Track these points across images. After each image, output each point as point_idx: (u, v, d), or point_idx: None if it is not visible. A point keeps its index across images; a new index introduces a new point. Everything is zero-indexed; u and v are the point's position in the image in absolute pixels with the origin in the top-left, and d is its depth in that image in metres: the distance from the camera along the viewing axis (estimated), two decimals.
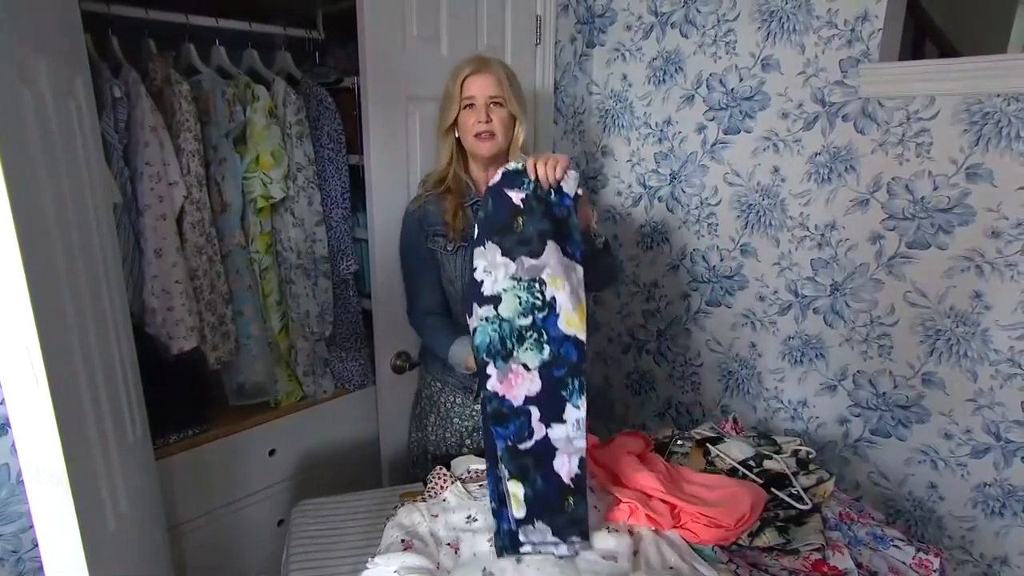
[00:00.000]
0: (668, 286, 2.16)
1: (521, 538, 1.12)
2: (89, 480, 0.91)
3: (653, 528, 1.16)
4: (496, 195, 1.19)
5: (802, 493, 1.27)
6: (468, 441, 1.58)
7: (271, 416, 1.73)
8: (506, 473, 1.12)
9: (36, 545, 1.14)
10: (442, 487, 1.28)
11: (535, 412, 1.12)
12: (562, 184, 1.18)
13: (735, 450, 1.40)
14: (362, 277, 1.88)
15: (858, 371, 1.76)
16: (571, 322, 1.14)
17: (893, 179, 1.61)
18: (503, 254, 1.16)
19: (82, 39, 1.17)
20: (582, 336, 1.15)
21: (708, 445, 1.44)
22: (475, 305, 1.17)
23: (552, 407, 1.13)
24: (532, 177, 1.18)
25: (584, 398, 1.15)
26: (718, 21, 1.86)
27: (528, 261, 1.15)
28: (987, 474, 1.58)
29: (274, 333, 1.70)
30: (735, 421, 1.59)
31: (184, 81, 1.48)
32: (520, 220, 1.17)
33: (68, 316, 0.88)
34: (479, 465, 1.36)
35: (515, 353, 1.13)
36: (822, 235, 1.76)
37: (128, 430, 1.15)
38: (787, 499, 1.26)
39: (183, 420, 1.59)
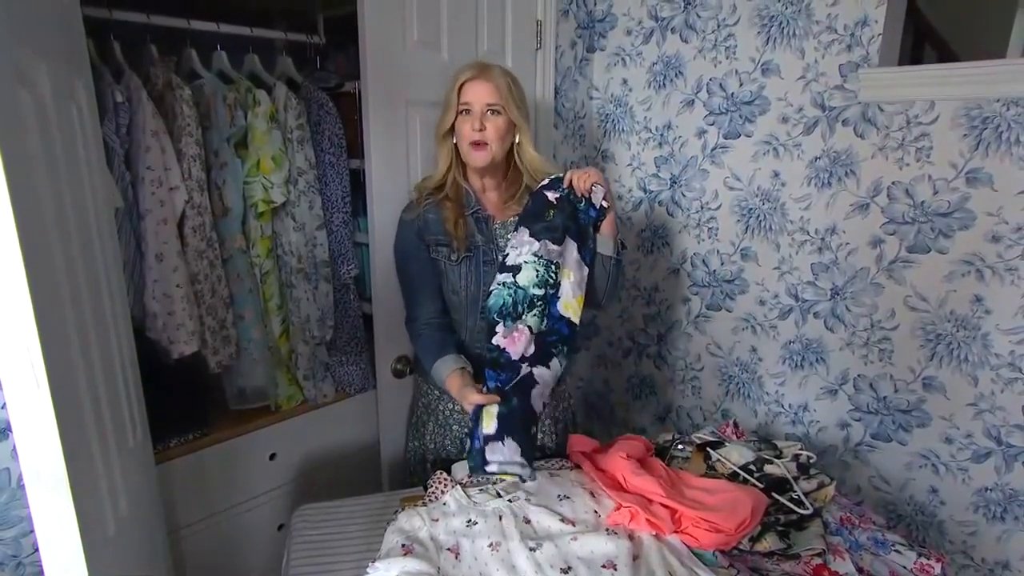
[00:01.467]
0: (668, 290, 2.16)
1: (488, 456, 1.27)
2: (90, 483, 0.91)
3: (654, 533, 1.16)
4: (537, 194, 1.40)
5: (803, 498, 1.27)
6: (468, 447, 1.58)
7: (272, 420, 1.73)
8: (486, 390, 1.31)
9: (36, 549, 1.14)
10: (442, 491, 1.28)
11: (525, 365, 1.33)
12: (591, 196, 1.37)
13: (736, 454, 1.40)
14: (363, 281, 1.88)
15: (859, 375, 1.76)
16: (568, 307, 1.35)
17: (893, 183, 1.62)
18: (531, 235, 1.35)
19: (84, 43, 1.17)
20: (575, 320, 1.36)
21: (709, 449, 1.43)
22: (496, 274, 1.37)
23: (542, 359, 1.34)
24: (566, 184, 1.37)
25: (567, 359, 1.38)
26: (718, 26, 1.87)
27: (550, 245, 1.34)
28: (988, 478, 1.58)
29: (275, 337, 1.70)
30: (736, 425, 1.59)
31: (185, 86, 1.48)
32: (551, 212, 1.37)
33: (69, 320, 0.88)
34: None
35: (524, 316, 1.32)
36: (822, 239, 1.76)
37: (129, 434, 1.14)
38: (788, 504, 1.26)
39: (183, 424, 1.59)
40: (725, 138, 1.91)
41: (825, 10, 1.66)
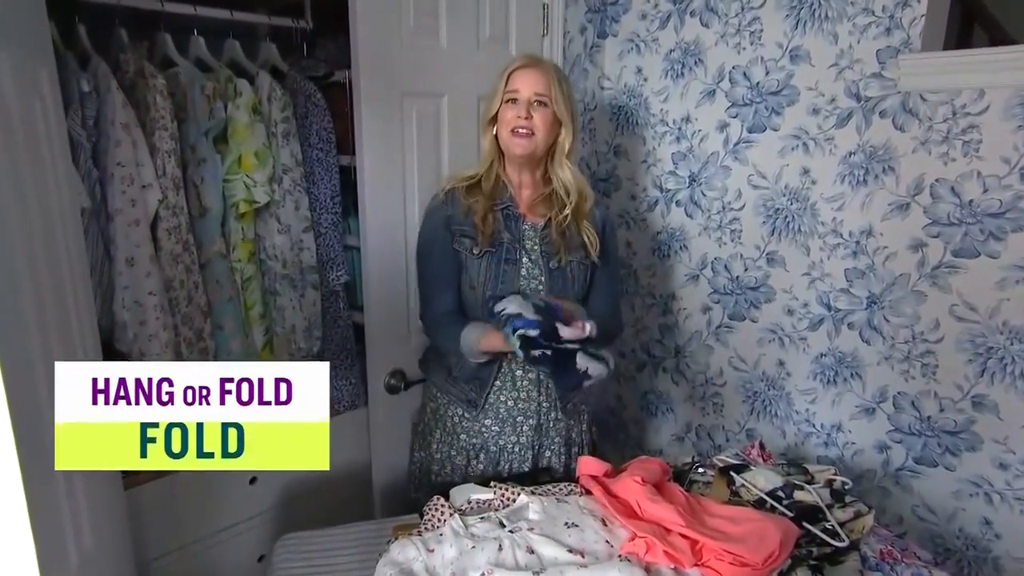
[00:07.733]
0: (687, 298, 2.15)
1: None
2: (50, 511, 0.91)
3: (672, 566, 1.15)
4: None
5: (837, 528, 1.26)
6: (474, 462, 1.57)
7: None
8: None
9: None
10: (440, 520, 1.27)
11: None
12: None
13: (762, 479, 1.39)
14: (353, 288, 1.88)
15: (899, 392, 1.74)
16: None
17: (937, 181, 1.61)
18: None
19: (47, 28, 1.17)
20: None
21: (732, 474, 1.42)
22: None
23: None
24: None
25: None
26: (742, 9, 1.87)
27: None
28: None
29: (257, 349, 1.70)
30: (762, 447, 1.58)
31: (159, 74, 1.49)
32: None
33: (31, 332, 0.88)
34: (481, 495, 1.35)
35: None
36: (857, 243, 1.75)
37: None
38: (821, 535, 1.25)
39: None
40: (749, 132, 1.91)
41: None
